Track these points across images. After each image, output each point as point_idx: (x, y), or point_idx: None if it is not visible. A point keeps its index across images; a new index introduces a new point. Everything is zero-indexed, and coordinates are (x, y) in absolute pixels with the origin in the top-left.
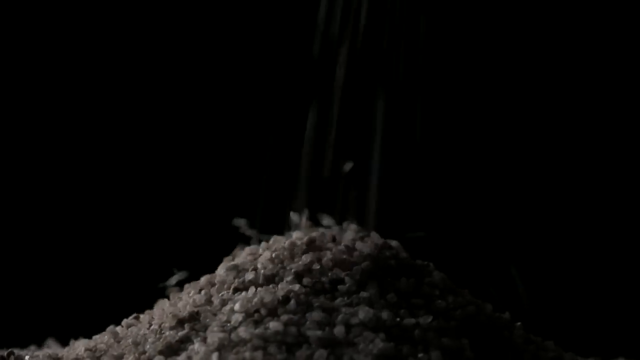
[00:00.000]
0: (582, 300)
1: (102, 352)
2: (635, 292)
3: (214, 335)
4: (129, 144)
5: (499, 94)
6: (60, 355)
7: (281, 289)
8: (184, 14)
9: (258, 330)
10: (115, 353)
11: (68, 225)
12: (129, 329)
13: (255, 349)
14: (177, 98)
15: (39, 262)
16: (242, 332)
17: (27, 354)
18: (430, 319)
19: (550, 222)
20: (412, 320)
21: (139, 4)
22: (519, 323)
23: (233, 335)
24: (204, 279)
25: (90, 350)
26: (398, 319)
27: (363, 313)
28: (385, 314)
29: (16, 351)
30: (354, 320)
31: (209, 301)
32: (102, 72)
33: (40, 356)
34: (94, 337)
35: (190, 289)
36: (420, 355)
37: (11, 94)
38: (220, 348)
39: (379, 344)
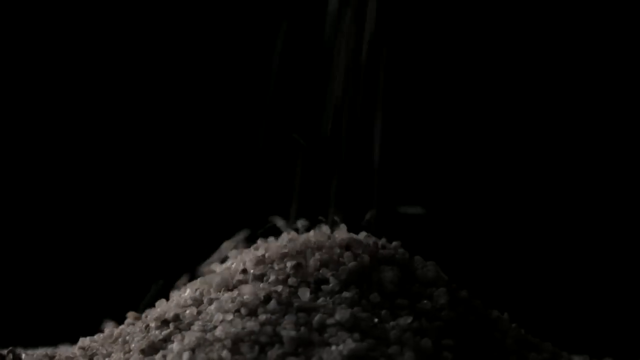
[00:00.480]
0: (584, 300)
1: (94, 351)
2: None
3: (192, 335)
4: (128, 144)
5: (488, 92)
6: (55, 353)
7: (262, 288)
8: (181, 15)
9: (234, 330)
10: (104, 351)
11: (69, 225)
12: (127, 328)
13: (226, 348)
14: (175, 99)
15: (41, 262)
16: (218, 331)
17: (24, 352)
18: (409, 319)
19: (549, 220)
20: (391, 321)
21: (139, 3)
22: (514, 324)
23: (209, 335)
24: (199, 279)
25: (83, 348)
26: (376, 320)
27: (340, 313)
28: (363, 314)
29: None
30: (330, 321)
31: (199, 301)
32: (102, 72)
33: (35, 355)
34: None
35: (187, 289)
36: (390, 354)
37: (11, 94)
38: (196, 347)
39: (350, 344)
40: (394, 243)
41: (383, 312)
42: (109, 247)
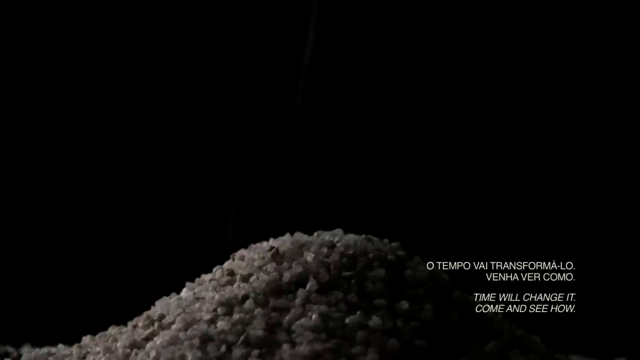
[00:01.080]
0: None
1: (88, 349)
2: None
3: (168, 334)
4: (128, 145)
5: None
6: (53, 352)
7: (242, 288)
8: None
9: (204, 329)
10: (97, 349)
11: (72, 226)
12: (123, 327)
13: (194, 347)
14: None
15: (48, 263)
16: (191, 330)
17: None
18: (379, 320)
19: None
20: (360, 321)
21: (136, 5)
22: (509, 325)
23: (182, 334)
24: (198, 280)
25: (79, 347)
26: (347, 320)
27: (311, 314)
28: (335, 315)
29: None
30: (300, 321)
31: (189, 300)
32: (102, 73)
33: (35, 353)
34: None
35: (185, 288)
36: (354, 354)
37: (11, 94)
38: (166, 346)
39: (312, 344)
40: (393, 244)
41: (358, 312)
42: (122, 247)
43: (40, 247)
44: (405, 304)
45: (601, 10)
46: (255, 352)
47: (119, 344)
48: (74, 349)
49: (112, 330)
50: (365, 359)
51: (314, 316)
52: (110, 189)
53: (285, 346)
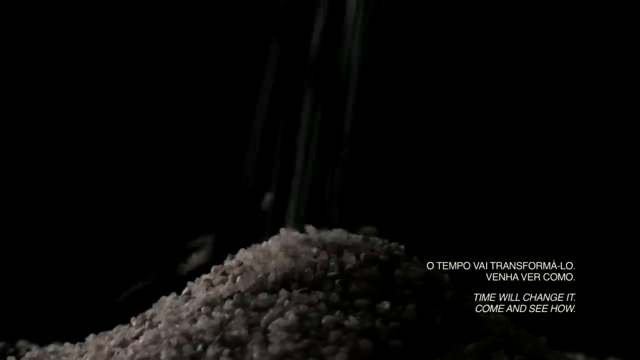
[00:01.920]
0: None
1: (89, 347)
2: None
3: (151, 333)
4: (128, 145)
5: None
6: (55, 350)
7: (228, 289)
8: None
9: (184, 328)
10: (92, 348)
11: (86, 226)
12: (124, 325)
13: (171, 346)
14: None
15: (50, 263)
16: (172, 329)
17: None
18: (357, 320)
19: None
20: (336, 321)
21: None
22: (498, 326)
23: (163, 333)
24: (197, 279)
25: (81, 345)
26: (323, 320)
27: (288, 313)
28: (313, 315)
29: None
30: (276, 321)
31: (183, 299)
32: (100, 72)
33: (37, 352)
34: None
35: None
36: (323, 354)
37: (11, 94)
38: (147, 345)
39: (283, 344)
40: (392, 244)
41: (337, 312)
42: (126, 246)
43: (62, 250)
44: (385, 304)
45: (601, 10)
46: (227, 351)
47: (111, 342)
48: (76, 347)
49: (115, 329)
50: (334, 359)
51: (290, 316)
52: (125, 192)
53: (255, 346)
